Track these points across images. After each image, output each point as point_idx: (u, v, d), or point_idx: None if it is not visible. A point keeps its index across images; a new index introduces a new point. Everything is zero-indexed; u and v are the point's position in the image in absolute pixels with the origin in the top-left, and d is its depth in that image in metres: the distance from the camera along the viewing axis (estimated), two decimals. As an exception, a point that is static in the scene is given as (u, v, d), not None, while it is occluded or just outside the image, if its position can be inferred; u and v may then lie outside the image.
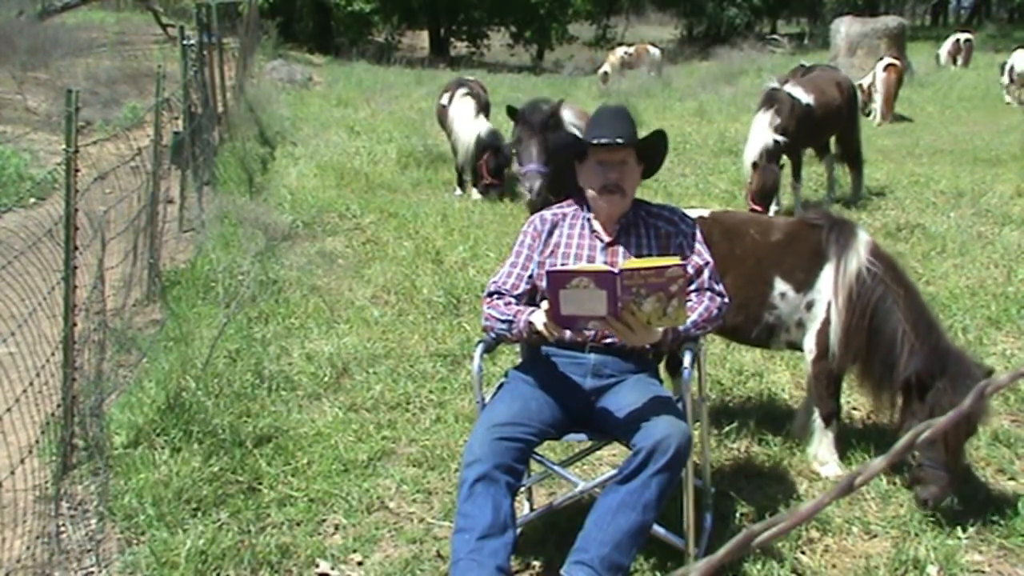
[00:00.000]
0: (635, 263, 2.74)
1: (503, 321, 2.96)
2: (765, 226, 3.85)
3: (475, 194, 8.83)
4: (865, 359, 3.52)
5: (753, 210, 7.00)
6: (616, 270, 2.64)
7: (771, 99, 7.59)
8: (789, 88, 7.83)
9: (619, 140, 2.99)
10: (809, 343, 3.69)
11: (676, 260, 2.73)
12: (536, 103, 5.95)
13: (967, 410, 0.87)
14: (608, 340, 2.96)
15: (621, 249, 3.04)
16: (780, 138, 7.34)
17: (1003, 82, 15.92)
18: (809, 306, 3.66)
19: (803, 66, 10.58)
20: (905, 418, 3.42)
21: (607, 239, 3.06)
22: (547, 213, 3.19)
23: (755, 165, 7.28)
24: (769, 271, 3.71)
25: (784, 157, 7.58)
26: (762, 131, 7.40)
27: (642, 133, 3.09)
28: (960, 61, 20.78)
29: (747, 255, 3.76)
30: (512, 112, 5.81)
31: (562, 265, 2.99)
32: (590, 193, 3.07)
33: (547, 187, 5.66)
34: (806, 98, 7.80)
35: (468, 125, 8.80)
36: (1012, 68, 15.55)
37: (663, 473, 2.67)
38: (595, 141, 3.00)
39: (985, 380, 0.89)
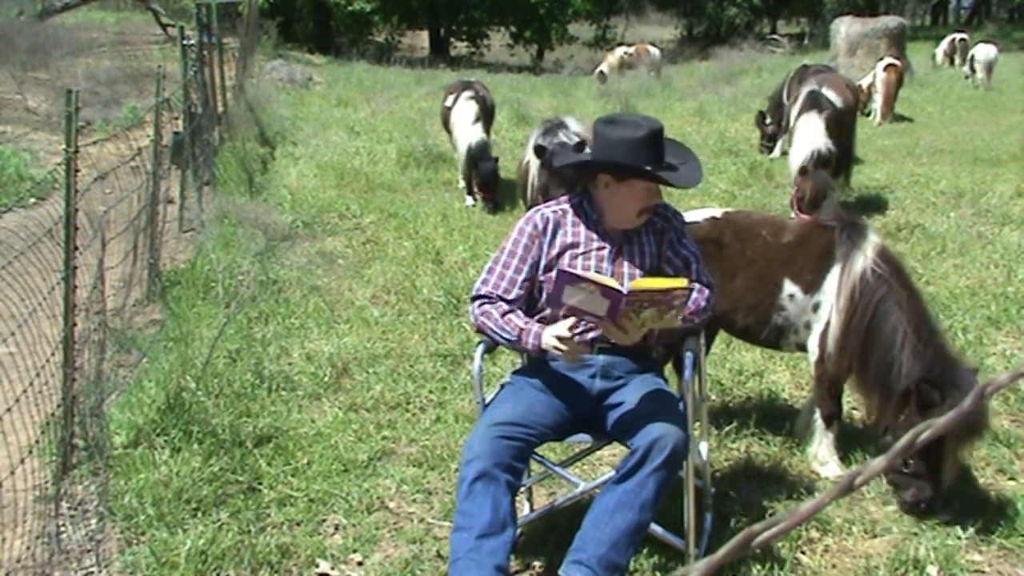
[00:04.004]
0: (643, 284, 2.73)
1: (505, 338, 2.93)
2: (777, 227, 3.84)
3: (469, 201, 8.77)
4: (861, 359, 3.49)
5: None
6: (624, 291, 2.66)
7: (816, 102, 7.28)
8: (824, 90, 7.57)
9: (683, 182, 3.00)
10: (812, 344, 3.69)
11: (684, 283, 2.73)
12: (564, 144, 5.75)
13: (967, 410, 0.87)
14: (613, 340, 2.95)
15: (626, 262, 3.01)
16: (832, 145, 6.99)
17: (965, 72, 17.63)
18: (816, 308, 3.65)
19: (805, 66, 10.53)
20: (886, 421, 3.38)
21: (615, 240, 3.02)
22: (547, 211, 3.09)
23: (803, 171, 6.81)
24: (779, 272, 3.70)
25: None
26: (815, 135, 7.02)
27: None
28: (957, 61, 20.84)
29: (758, 256, 3.75)
30: (540, 153, 5.71)
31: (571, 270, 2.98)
32: (626, 211, 2.97)
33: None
34: (837, 100, 7.61)
35: (464, 132, 8.72)
36: (973, 57, 17.31)
37: (660, 472, 2.67)
38: (665, 176, 2.93)
39: (985, 380, 0.89)
